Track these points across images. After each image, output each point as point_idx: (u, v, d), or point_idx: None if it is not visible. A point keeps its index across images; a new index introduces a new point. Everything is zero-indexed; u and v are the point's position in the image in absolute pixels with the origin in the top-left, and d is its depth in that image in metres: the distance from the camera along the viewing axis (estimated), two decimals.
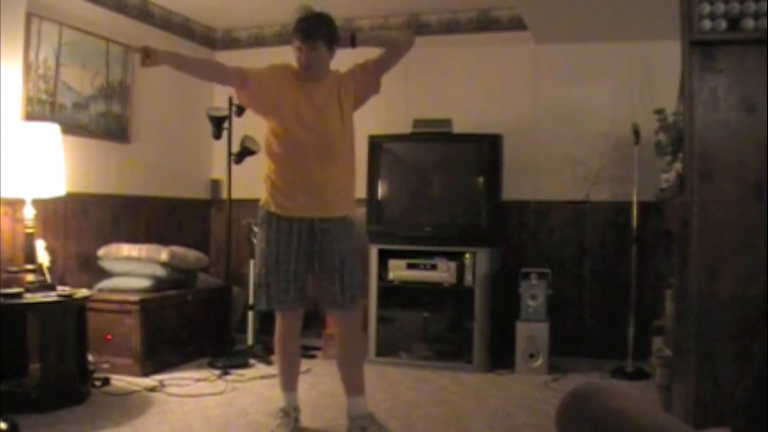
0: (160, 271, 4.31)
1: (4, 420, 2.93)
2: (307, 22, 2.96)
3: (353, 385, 3.13)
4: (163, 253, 4.31)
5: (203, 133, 4.92)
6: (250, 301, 4.74)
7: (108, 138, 4.57)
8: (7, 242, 3.78)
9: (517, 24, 4.78)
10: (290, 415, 3.15)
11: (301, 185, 3.02)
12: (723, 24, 2.35)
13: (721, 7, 2.35)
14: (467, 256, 4.45)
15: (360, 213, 3.33)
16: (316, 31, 2.94)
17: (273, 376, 4.05)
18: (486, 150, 4.56)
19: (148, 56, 2.82)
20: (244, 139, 4.52)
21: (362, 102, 3.17)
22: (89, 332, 3.72)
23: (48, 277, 3.65)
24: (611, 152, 4.73)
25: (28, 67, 3.94)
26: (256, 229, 4.71)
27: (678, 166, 3.01)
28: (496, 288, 4.50)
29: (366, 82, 3.12)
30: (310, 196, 3.02)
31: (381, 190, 4.68)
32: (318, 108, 3.02)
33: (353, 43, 3.11)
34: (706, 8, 2.36)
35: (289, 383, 3.20)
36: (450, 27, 5.07)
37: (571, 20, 4.38)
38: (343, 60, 3.14)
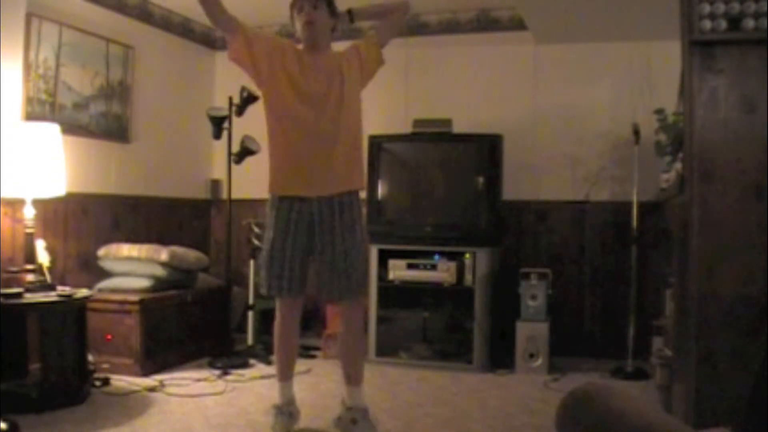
0: (160, 271, 4.31)
1: (4, 420, 2.93)
2: None
3: (351, 373, 3.11)
4: (163, 253, 4.31)
5: (203, 133, 4.92)
6: (250, 301, 4.74)
7: (108, 138, 4.57)
8: (7, 242, 3.78)
9: (517, 24, 4.78)
10: (284, 411, 3.12)
11: (301, 159, 2.98)
12: (723, 24, 2.35)
13: (721, 7, 2.35)
14: (467, 256, 4.45)
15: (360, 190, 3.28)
16: None
17: (273, 375, 4.04)
18: (486, 150, 4.56)
19: None
20: (244, 139, 4.52)
21: (370, 76, 3.14)
22: (89, 332, 3.72)
23: (48, 277, 3.65)
24: (611, 152, 4.74)
25: (28, 67, 3.94)
26: (256, 229, 4.74)
27: (678, 166, 3.01)
28: (496, 288, 4.50)
29: (372, 53, 3.11)
30: (308, 171, 2.97)
31: (381, 190, 4.68)
32: (316, 82, 2.99)
33: (351, 17, 3.12)
34: (706, 8, 2.36)
35: (285, 373, 3.17)
36: (450, 27, 5.07)
37: (571, 20, 4.38)
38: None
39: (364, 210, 4.56)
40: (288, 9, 3.10)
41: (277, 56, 3.00)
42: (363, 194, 3.31)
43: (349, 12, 3.14)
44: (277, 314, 3.15)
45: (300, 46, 3.08)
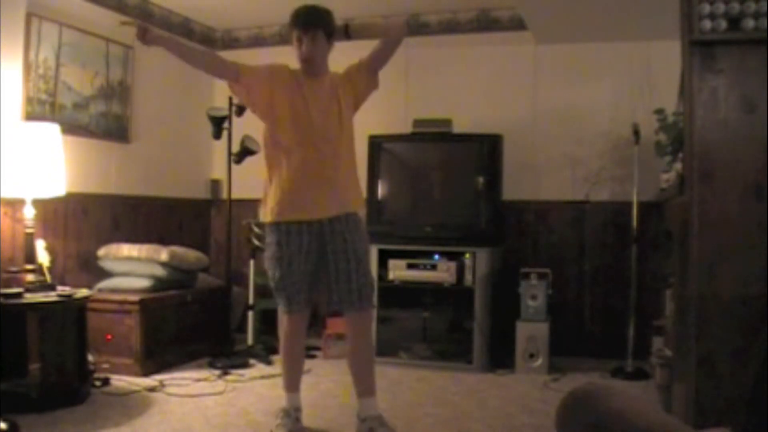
0: (160, 271, 4.31)
1: (4, 420, 2.93)
2: (306, 13, 2.99)
3: (363, 385, 3.10)
4: (163, 253, 4.31)
5: (203, 133, 4.92)
6: (250, 301, 4.74)
7: (108, 138, 4.57)
8: (7, 242, 3.78)
9: (517, 24, 4.78)
10: (291, 415, 3.14)
11: (304, 185, 3.01)
12: (723, 24, 2.35)
13: (721, 7, 2.35)
14: (467, 256, 4.45)
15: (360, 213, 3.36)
16: (316, 21, 2.97)
17: (273, 376, 4.05)
18: (486, 150, 4.56)
19: (146, 33, 2.89)
20: (244, 139, 4.52)
21: (362, 100, 3.17)
22: (89, 332, 3.72)
23: (48, 277, 3.65)
24: (611, 152, 4.73)
25: (28, 67, 3.94)
26: (256, 229, 4.74)
27: (678, 166, 3.01)
28: (496, 288, 4.50)
29: (363, 79, 3.12)
30: (315, 194, 3.01)
31: (381, 190, 4.68)
32: (315, 107, 3.01)
33: (347, 33, 3.10)
34: (706, 8, 2.36)
35: (291, 384, 3.20)
36: (450, 27, 5.07)
37: (571, 20, 4.38)
38: (341, 57, 3.15)
39: (364, 211, 4.58)
40: (289, 10, 3.10)
41: (277, 88, 3.03)
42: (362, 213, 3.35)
43: (346, 27, 3.10)
44: (285, 328, 3.16)
45: (295, 65, 3.08)
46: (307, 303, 3.11)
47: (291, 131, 3.00)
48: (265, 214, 3.10)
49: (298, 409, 3.19)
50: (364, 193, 4.50)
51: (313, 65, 3.02)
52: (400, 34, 3.12)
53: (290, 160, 3.01)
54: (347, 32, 3.09)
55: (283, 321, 3.16)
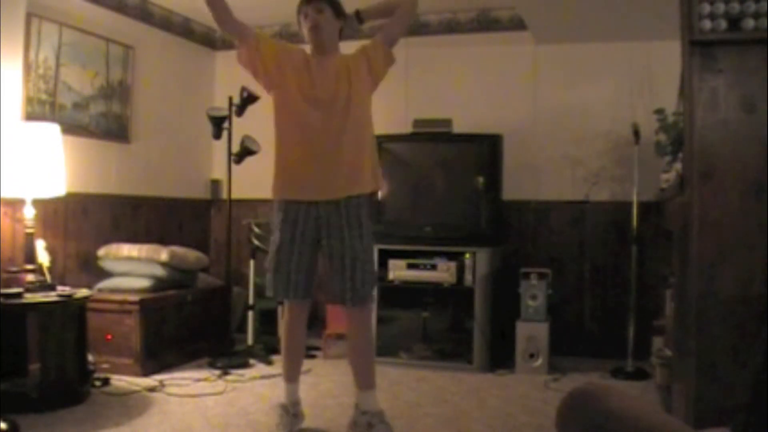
0: (160, 271, 4.31)
1: (4, 420, 2.93)
2: None
3: (363, 378, 3.10)
4: (163, 253, 4.31)
5: (203, 133, 4.92)
6: (250, 301, 4.74)
7: (108, 138, 4.57)
8: (7, 242, 3.78)
9: (517, 24, 4.78)
10: (289, 412, 3.14)
11: (305, 162, 2.99)
12: (723, 24, 2.35)
13: (721, 7, 2.35)
14: (467, 256, 4.45)
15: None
16: None
17: (273, 376, 4.05)
18: (486, 150, 4.56)
19: None
20: (244, 139, 4.52)
21: (381, 76, 3.13)
22: (89, 332, 3.72)
23: (48, 277, 3.65)
24: (611, 152, 4.74)
25: (28, 67, 3.94)
26: (256, 229, 4.74)
27: (678, 166, 3.01)
28: (496, 288, 4.50)
29: (380, 54, 3.10)
30: (315, 173, 2.99)
31: (381, 190, 4.68)
32: (322, 85, 3.00)
33: (359, 18, 3.13)
34: (706, 8, 2.36)
35: (291, 374, 3.19)
36: (450, 27, 5.07)
37: (571, 20, 4.38)
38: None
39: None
40: (294, 11, 3.13)
41: (285, 61, 3.03)
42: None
43: (357, 13, 3.14)
44: (285, 316, 3.18)
45: (308, 50, 3.09)
46: (297, 293, 3.06)
47: (297, 108, 2.99)
48: (273, 188, 3.07)
49: (296, 403, 3.18)
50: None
51: (319, 34, 3.00)
52: (412, 5, 3.13)
53: (294, 135, 3.01)
54: (359, 16, 3.12)
55: (285, 311, 3.18)
